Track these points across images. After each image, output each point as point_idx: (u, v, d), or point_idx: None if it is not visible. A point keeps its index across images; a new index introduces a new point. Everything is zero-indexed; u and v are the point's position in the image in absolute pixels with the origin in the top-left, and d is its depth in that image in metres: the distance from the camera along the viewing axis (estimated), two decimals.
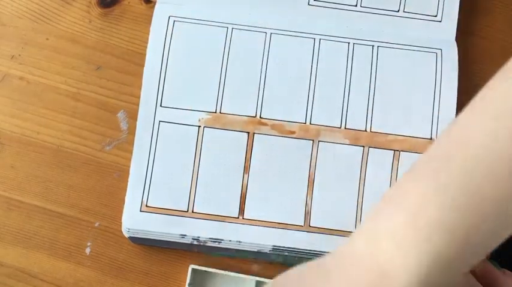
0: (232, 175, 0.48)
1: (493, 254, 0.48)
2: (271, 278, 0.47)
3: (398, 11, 0.50)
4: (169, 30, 0.49)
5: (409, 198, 0.33)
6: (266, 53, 0.49)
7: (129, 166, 0.48)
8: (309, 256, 0.47)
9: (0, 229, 0.48)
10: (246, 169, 0.48)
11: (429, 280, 0.31)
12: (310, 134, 0.48)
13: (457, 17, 0.51)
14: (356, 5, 0.50)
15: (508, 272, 0.44)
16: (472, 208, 0.31)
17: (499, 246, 0.49)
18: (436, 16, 0.50)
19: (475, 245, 0.32)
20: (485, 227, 0.32)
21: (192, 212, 0.47)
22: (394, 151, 0.48)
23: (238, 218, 0.47)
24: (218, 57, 0.49)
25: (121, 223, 0.47)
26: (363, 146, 0.48)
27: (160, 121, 0.48)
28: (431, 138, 0.48)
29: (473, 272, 0.45)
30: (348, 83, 0.49)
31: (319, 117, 0.48)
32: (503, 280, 0.44)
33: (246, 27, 0.49)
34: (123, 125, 0.49)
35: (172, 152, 0.48)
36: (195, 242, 0.47)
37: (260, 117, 0.48)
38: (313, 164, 0.48)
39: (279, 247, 0.47)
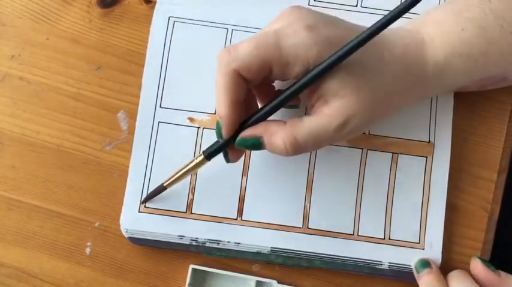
0: (231, 176, 0.48)
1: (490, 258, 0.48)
2: (271, 278, 0.48)
3: None
4: (169, 30, 0.49)
5: (456, 2, 0.43)
6: None
7: (129, 166, 0.48)
8: (308, 258, 0.47)
9: (0, 229, 0.48)
10: (245, 170, 0.48)
11: (448, 60, 0.42)
12: None
13: None
14: (356, 5, 0.50)
15: (503, 273, 0.44)
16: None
17: (496, 248, 0.49)
18: None
19: (490, 55, 0.42)
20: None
21: (191, 213, 0.47)
22: (392, 153, 0.48)
23: (236, 219, 0.47)
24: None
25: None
26: (361, 149, 0.48)
27: (159, 122, 0.48)
28: (429, 141, 0.48)
29: (470, 274, 0.46)
30: None
31: None
32: (499, 282, 0.44)
33: (246, 28, 0.49)
34: (123, 125, 0.49)
35: (171, 153, 0.48)
36: (194, 243, 0.47)
37: None
38: (311, 166, 0.48)
39: (278, 248, 0.47)
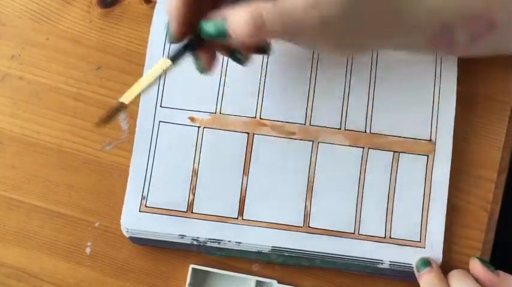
0: (232, 175, 0.48)
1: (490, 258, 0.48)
2: (271, 278, 0.48)
3: None
4: None
5: None
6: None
7: (129, 166, 0.48)
8: (309, 257, 0.47)
9: (0, 229, 0.48)
10: (246, 169, 0.48)
11: None
12: (310, 135, 0.48)
13: None
14: None
15: (502, 273, 0.44)
16: None
17: (496, 248, 0.49)
18: None
19: None
20: None
21: (192, 212, 0.47)
22: (394, 152, 0.48)
23: (237, 218, 0.47)
24: (218, 58, 0.49)
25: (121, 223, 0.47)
26: (363, 147, 0.48)
27: (160, 121, 0.48)
28: (430, 140, 0.48)
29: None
30: (347, 83, 0.49)
31: (319, 119, 0.48)
32: (499, 281, 0.44)
33: None
34: (124, 125, 0.49)
35: (172, 153, 0.48)
36: (195, 243, 0.47)
37: (260, 118, 0.48)
38: (312, 165, 0.48)
39: (279, 247, 0.47)
